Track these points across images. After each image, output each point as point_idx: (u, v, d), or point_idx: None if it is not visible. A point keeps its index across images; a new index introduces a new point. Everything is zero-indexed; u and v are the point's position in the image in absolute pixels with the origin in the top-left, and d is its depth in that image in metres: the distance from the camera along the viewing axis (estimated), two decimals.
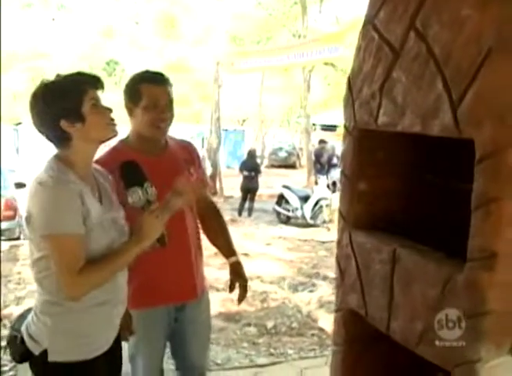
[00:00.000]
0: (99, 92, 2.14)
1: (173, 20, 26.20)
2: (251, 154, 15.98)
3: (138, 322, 2.69)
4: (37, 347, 2.09)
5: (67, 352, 2.10)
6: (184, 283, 2.80)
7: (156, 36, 27.17)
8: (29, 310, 2.25)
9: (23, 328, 2.14)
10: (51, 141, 2.12)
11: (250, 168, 15.01)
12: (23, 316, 2.25)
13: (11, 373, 4.18)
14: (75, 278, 1.99)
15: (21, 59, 21.19)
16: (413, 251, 2.26)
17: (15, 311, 5.45)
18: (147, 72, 2.76)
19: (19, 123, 23.26)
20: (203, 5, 23.02)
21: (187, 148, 2.95)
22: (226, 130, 29.35)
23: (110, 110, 2.15)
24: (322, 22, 24.37)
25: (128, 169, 2.23)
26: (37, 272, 2.09)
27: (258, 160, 19.30)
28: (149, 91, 2.65)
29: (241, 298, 2.93)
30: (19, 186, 10.46)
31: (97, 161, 2.55)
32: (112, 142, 2.62)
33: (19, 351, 2.14)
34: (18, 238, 9.72)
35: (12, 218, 9.79)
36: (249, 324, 5.46)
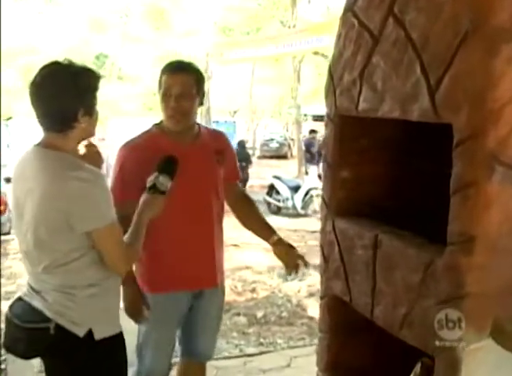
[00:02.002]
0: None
1: (162, 12, 26.05)
2: (241, 145, 15.98)
3: (154, 307, 2.72)
4: (80, 329, 2.16)
5: (110, 327, 2.26)
6: (205, 270, 2.81)
7: (145, 28, 27.01)
8: (16, 303, 2.26)
9: (53, 317, 2.14)
10: (54, 122, 2.13)
11: (241, 158, 15.01)
12: (19, 308, 2.23)
13: (2, 366, 4.17)
14: (127, 254, 2.25)
15: (9, 54, 21.03)
16: (394, 236, 2.27)
17: (4, 306, 5.43)
18: (171, 62, 2.79)
19: (10, 118, 23.15)
20: None
21: (219, 138, 2.97)
22: (217, 122, 29.29)
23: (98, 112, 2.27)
24: (312, 12, 24.33)
25: (171, 160, 2.49)
26: (67, 262, 2.14)
27: (250, 152, 19.29)
28: (165, 80, 2.67)
29: (304, 264, 2.98)
30: (9, 180, 10.44)
31: (132, 141, 2.76)
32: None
33: (50, 342, 2.16)
34: (8, 233, 9.69)
35: (3, 212, 9.77)
36: (238, 314, 5.47)
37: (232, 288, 6.54)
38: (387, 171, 2.64)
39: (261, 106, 34.57)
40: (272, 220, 11.89)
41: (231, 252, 7.25)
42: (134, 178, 2.62)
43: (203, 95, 2.79)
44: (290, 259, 2.96)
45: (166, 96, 2.66)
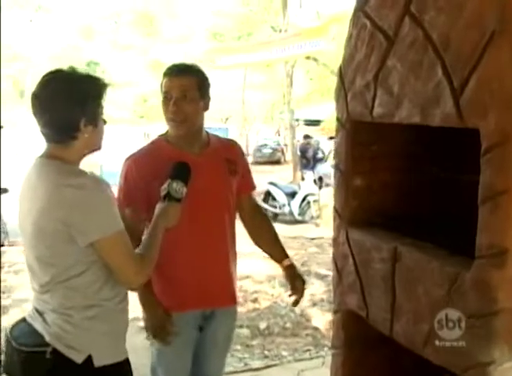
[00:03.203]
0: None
1: (152, 19, 26.00)
2: None
3: None
4: (78, 355, 1.99)
5: (112, 354, 2.08)
6: (218, 288, 2.66)
7: (135, 35, 26.94)
8: (19, 324, 2.13)
9: (50, 341, 1.99)
10: (55, 132, 2.02)
11: None
12: (18, 330, 2.10)
13: None
14: (140, 265, 2.06)
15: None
16: (415, 248, 2.16)
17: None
18: (173, 64, 2.64)
19: (0, 127, 22.97)
20: (182, 3, 22.85)
21: (231, 147, 2.80)
22: (209, 128, 29.16)
23: (106, 122, 2.14)
24: (303, 17, 24.30)
25: (184, 166, 2.38)
26: (66, 279, 2.00)
27: None
28: (165, 84, 2.55)
29: (298, 300, 2.83)
30: (1, 191, 10.25)
31: (137, 153, 2.63)
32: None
33: (47, 367, 2.00)
34: (2, 245, 9.52)
35: None
36: (241, 326, 5.32)
37: None
38: (401, 178, 2.53)
39: (252, 112, 34.51)
40: None
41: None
42: (140, 191, 2.50)
43: (209, 99, 2.64)
44: (297, 291, 2.82)
45: (166, 100, 2.53)
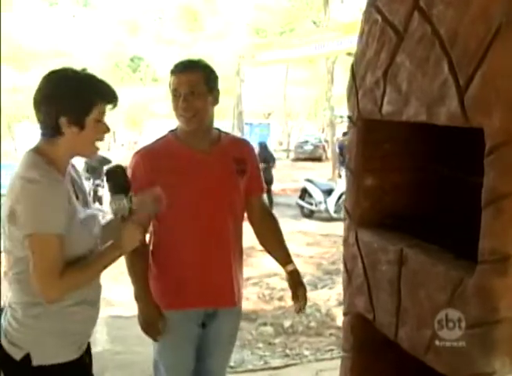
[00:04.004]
0: (109, 108, 2.08)
1: (195, 14, 26.12)
2: (263, 146, 15.85)
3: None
4: (17, 352, 1.97)
5: (55, 354, 2.02)
6: (220, 288, 2.63)
7: (179, 31, 27.12)
8: None
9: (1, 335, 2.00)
10: (41, 127, 2.03)
11: (263, 159, 14.93)
12: None
13: None
14: (55, 281, 1.92)
15: (43, 58, 21.28)
16: (421, 251, 2.08)
17: None
18: (179, 61, 2.62)
19: None
20: None
21: (241, 146, 2.76)
22: (251, 124, 29.19)
23: (108, 131, 2.09)
24: (345, 12, 24.02)
25: (114, 175, 2.14)
26: (18, 272, 1.98)
27: (284, 154, 19.08)
28: (174, 79, 2.54)
29: (301, 307, 2.76)
30: None
31: (145, 148, 2.64)
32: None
33: None
34: None
35: None
36: (265, 324, 5.29)
37: (259, 296, 6.37)
38: (413, 178, 2.45)
39: (295, 108, 34.38)
40: (304, 224, 11.88)
41: (259, 258, 7.05)
42: (146, 186, 2.49)
43: (218, 93, 2.61)
44: (298, 298, 2.75)
45: (175, 97, 2.52)
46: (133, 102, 28.49)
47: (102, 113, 2.05)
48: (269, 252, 2.84)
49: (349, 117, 2.52)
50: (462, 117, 1.77)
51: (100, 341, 4.90)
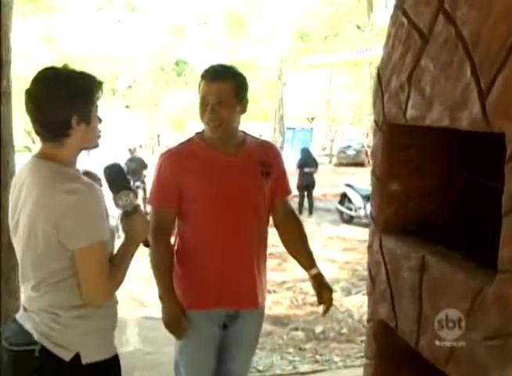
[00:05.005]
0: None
1: (240, 19, 26.25)
2: (305, 151, 15.83)
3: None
4: (66, 353, 2.01)
5: (100, 351, 2.10)
6: (242, 290, 2.63)
7: (223, 35, 27.29)
8: (9, 324, 2.15)
9: (38, 339, 2.01)
10: (46, 130, 2.01)
11: (305, 164, 14.91)
12: (9, 330, 2.12)
13: None
14: (108, 283, 2.03)
15: (90, 62, 21.66)
16: (442, 258, 2.04)
17: None
18: (211, 67, 2.62)
19: None
20: (269, 3, 22.91)
21: (267, 150, 2.75)
22: (294, 128, 29.14)
23: (101, 121, 2.13)
24: (388, 17, 23.76)
25: (117, 172, 2.18)
26: (56, 282, 2.00)
27: (327, 159, 18.95)
28: (203, 87, 2.53)
29: (327, 309, 2.75)
30: None
31: (172, 149, 2.67)
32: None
33: (36, 365, 2.02)
34: None
35: None
36: (297, 328, 5.27)
37: (292, 301, 6.35)
38: (438, 184, 2.41)
39: (339, 113, 34.19)
40: (343, 229, 11.79)
41: (293, 263, 7.00)
42: (171, 187, 2.52)
43: (247, 102, 2.61)
44: (324, 300, 2.74)
45: (203, 104, 2.52)
46: (177, 105, 28.81)
47: (97, 104, 2.08)
48: (293, 256, 2.82)
49: (375, 122, 2.48)
50: (483, 122, 1.73)
51: (132, 341, 4.96)
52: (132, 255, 2.12)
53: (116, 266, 2.06)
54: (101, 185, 2.33)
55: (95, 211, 1.98)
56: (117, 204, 2.09)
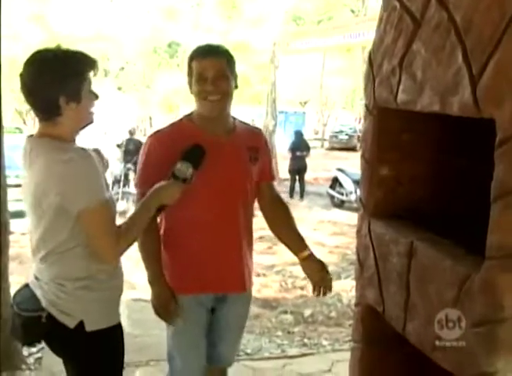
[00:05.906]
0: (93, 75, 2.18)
1: (234, 1, 26.02)
2: (298, 134, 15.82)
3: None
4: (71, 320, 2.14)
5: (103, 319, 2.21)
6: (230, 274, 2.64)
7: (217, 17, 27.06)
8: (22, 289, 2.27)
9: (46, 306, 2.13)
10: (39, 112, 2.11)
11: (298, 147, 14.91)
12: (20, 296, 2.25)
13: (38, 354, 4.17)
14: (117, 240, 2.12)
15: (82, 42, 21.46)
16: (431, 244, 2.03)
17: None
18: (199, 47, 2.63)
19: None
20: None
21: (255, 135, 2.78)
22: (286, 112, 29.03)
23: (98, 97, 2.19)
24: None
25: (196, 150, 2.38)
26: (61, 252, 2.13)
27: (319, 143, 18.94)
28: (198, 64, 2.53)
29: (325, 291, 2.75)
30: None
31: (160, 131, 2.67)
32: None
33: (43, 330, 2.16)
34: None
35: None
36: (285, 312, 5.28)
37: (281, 285, 6.36)
38: (429, 170, 2.40)
39: (332, 98, 34.11)
40: (334, 214, 11.81)
41: (282, 246, 7.04)
42: (158, 169, 2.49)
43: (236, 78, 2.62)
44: (320, 279, 2.73)
45: (201, 81, 2.50)
46: (169, 87, 28.62)
47: (90, 82, 2.15)
48: (282, 241, 2.81)
49: (365, 106, 2.47)
50: (474, 108, 1.71)
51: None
52: (150, 211, 2.26)
53: (131, 220, 2.20)
54: (105, 164, 2.42)
55: (91, 175, 2.07)
56: (175, 166, 2.31)
